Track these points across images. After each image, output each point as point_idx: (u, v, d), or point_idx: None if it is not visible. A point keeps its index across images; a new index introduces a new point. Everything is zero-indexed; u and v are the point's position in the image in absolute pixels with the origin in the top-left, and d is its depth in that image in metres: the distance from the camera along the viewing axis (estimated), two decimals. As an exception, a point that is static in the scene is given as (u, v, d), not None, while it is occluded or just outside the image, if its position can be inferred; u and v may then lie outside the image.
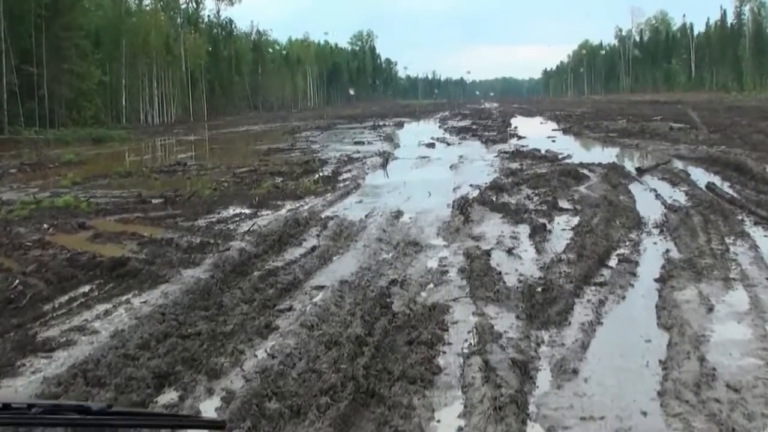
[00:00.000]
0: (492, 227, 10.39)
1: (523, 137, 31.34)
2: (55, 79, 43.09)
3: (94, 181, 18.80)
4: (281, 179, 17.76)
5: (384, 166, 20.86)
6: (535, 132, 35.39)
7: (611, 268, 7.86)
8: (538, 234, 9.68)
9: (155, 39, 60.45)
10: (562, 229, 10.12)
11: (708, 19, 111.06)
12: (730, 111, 44.02)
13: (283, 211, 12.47)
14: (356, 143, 30.76)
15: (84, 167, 22.91)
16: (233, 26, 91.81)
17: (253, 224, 10.60)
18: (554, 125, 41.99)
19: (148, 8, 64.67)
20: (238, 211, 12.68)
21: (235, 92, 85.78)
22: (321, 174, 18.56)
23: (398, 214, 11.96)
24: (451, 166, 19.82)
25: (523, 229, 10.15)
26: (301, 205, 13.08)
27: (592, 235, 9.26)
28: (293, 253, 9.17)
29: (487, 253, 8.52)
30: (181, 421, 2.03)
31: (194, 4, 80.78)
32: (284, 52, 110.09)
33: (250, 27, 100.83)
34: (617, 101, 78.49)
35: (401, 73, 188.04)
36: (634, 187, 14.63)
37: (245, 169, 20.31)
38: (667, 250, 8.63)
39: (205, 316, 6.29)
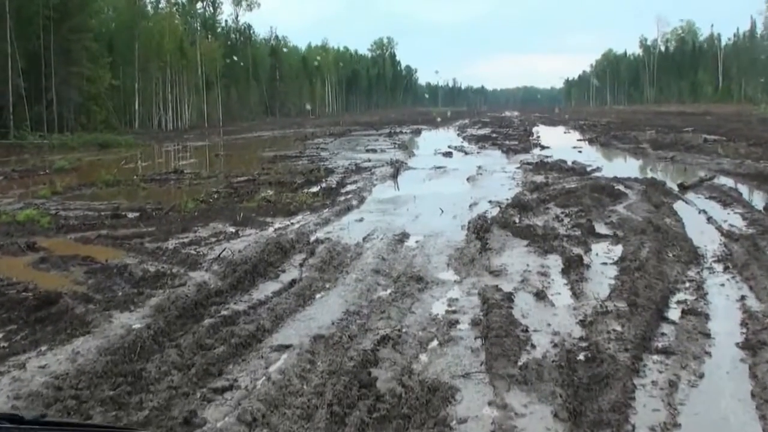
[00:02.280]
0: (515, 258, 8.50)
1: (547, 147, 29.39)
2: (63, 82, 41.88)
3: (78, 190, 17.17)
4: (279, 190, 15.99)
5: (394, 177, 19.03)
6: (559, 142, 33.45)
7: (674, 323, 5.95)
8: (574, 269, 7.78)
9: (169, 43, 59.17)
10: (602, 262, 8.21)
11: (737, 29, 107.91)
12: (765, 123, 41.74)
13: (269, 231, 10.66)
14: (369, 151, 29.00)
15: (75, 175, 21.34)
16: (251, 31, 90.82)
17: (224, 249, 8.78)
18: (579, 135, 40.07)
19: (162, 12, 63.35)
20: (218, 229, 10.90)
21: (252, 98, 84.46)
22: (323, 185, 16.77)
23: (403, 236, 10.12)
24: (468, 179, 17.94)
25: (554, 262, 8.26)
26: (292, 224, 11.27)
27: (642, 273, 7.35)
28: (265, 289, 7.35)
29: (509, 298, 6.64)
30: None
31: (211, 8, 79.72)
32: (302, 57, 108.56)
33: (269, 33, 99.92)
34: (642, 112, 76.19)
35: (421, 81, 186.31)
36: (680, 208, 12.68)
37: (243, 179, 18.59)
38: (743, 297, 6.70)
39: (110, 398, 4.47)
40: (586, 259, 8.25)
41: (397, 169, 20.32)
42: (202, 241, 9.92)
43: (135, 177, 18.78)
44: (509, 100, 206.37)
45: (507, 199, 13.46)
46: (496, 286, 7.07)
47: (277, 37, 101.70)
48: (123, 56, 53.17)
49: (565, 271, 7.79)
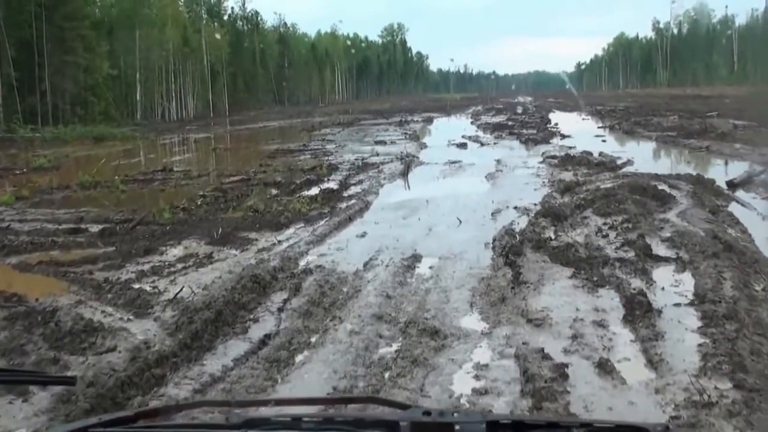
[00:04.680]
0: (558, 296, 6.55)
1: (568, 136, 27.32)
2: (58, 72, 40.10)
3: (48, 194, 15.34)
4: (273, 193, 14.13)
5: (404, 174, 17.05)
6: (579, 129, 31.41)
7: (814, 423, 4.02)
8: (640, 317, 5.83)
9: (172, 30, 57.25)
10: (674, 303, 6.23)
11: (751, 10, 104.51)
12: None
13: (250, 253, 8.77)
14: (377, 143, 27.01)
15: (53, 174, 19.53)
16: (259, 18, 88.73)
17: (181, 289, 6.86)
18: (598, 122, 37.98)
19: (165, -2, 61.30)
20: (189, 250, 9.02)
21: (260, 86, 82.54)
22: (324, 186, 14.86)
23: (413, 260, 8.20)
24: (487, 176, 15.96)
25: (610, 303, 6.31)
26: (279, 242, 9.35)
27: (735, 325, 5.41)
28: (226, 353, 5.47)
29: (562, 372, 4.71)
30: (32, 378, 2.14)
31: (217, -6, 77.71)
32: (311, 44, 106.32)
33: (277, 20, 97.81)
34: (657, 95, 73.61)
35: (432, 67, 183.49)
36: (740, 213, 10.74)
37: (236, 178, 16.72)
38: None
39: None
40: (651, 298, 6.27)
41: (407, 165, 18.33)
42: (165, 268, 8.03)
43: (116, 177, 16.92)
44: (521, 85, 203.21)
45: (535, 204, 11.52)
46: (541, 349, 5.14)
47: (285, 24, 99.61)
48: (124, 45, 51.32)
49: (628, 320, 5.84)
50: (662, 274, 7.18)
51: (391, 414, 1.37)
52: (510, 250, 8.08)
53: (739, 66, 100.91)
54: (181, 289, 6.77)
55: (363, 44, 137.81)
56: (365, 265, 7.98)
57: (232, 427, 1.32)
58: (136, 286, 7.30)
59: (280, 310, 6.42)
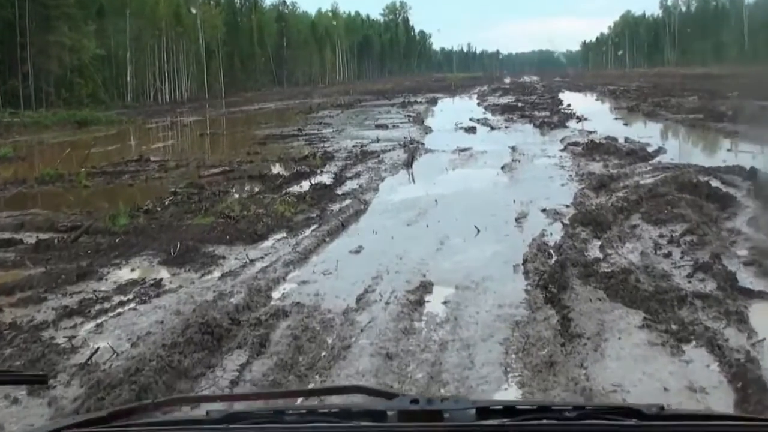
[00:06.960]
0: (632, 362, 4.59)
1: (584, 119, 25.18)
2: (41, 52, 37.90)
3: (-1, 191, 13.43)
4: (256, 189, 12.23)
5: (408, 164, 15.05)
6: (595, 111, 29.36)
7: None
8: (760, 403, 3.91)
9: (164, 8, 54.89)
10: (806, 378, 4.31)
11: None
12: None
13: (210, 279, 6.84)
14: (378, 127, 24.99)
15: (16, 165, 17.62)
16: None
17: (95, 351, 4.93)
18: (612, 102, 35.96)
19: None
20: (136, 274, 7.10)
21: (257, 66, 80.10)
22: (315, 180, 12.90)
23: (422, 291, 6.25)
24: (503, 167, 13.96)
25: (708, 373, 4.36)
26: (252, 261, 7.39)
27: None
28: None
29: None
30: (2, 377, 2.02)
31: (212, -29, 75.00)
32: (312, 23, 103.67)
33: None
34: (668, 74, 71.24)
35: (435, 46, 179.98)
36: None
37: (217, 170, 14.79)
38: None
39: None
40: (765, 367, 4.35)
41: (411, 154, 16.31)
42: (96, 304, 6.11)
43: (83, 169, 14.96)
44: (525, 65, 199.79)
45: (566, 206, 9.57)
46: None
47: (284, 1, 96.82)
48: (114, 23, 49.01)
49: (745, 409, 3.92)
50: (764, 322, 5.23)
51: (378, 403, 1.30)
52: (550, 278, 6.13)
53: (749, 44, 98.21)
54: (96, 351, 4.83)
55: (364, 23, 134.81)
56: (359, 300, 6.02)
57: (213, 422, 1.23)
58: (48, 334, 5.39)
59: (234, 382, 4.50)
